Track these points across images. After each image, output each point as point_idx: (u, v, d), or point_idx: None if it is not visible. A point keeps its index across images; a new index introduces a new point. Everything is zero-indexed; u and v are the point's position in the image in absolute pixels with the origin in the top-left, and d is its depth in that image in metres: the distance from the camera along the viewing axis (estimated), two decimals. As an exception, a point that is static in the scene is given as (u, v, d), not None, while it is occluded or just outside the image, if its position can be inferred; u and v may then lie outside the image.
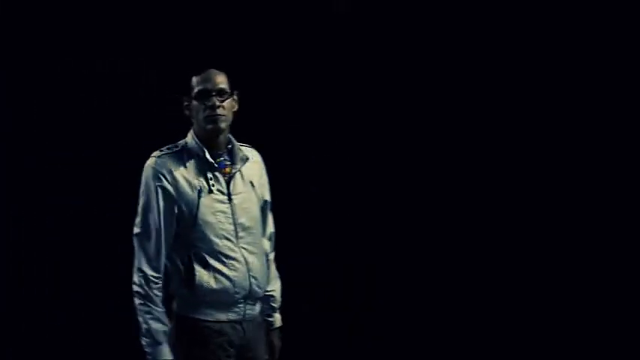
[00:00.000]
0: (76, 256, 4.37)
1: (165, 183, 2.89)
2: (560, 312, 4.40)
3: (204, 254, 2.90)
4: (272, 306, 3.12)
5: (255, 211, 3.01)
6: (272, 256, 3.15)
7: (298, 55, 4.46)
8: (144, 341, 2.83)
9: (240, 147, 3.01)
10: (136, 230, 2.90)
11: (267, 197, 3.09)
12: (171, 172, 2.90)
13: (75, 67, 4.32)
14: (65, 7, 4.30)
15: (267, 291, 3.08)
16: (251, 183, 3.00)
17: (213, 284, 2.90)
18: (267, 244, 3.12)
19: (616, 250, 4.38)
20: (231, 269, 2.90)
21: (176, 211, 2.89)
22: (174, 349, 2.85)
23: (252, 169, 3.03)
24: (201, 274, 2.90)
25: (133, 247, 2.88)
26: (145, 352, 2.84)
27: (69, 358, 4.40)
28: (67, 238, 4.37)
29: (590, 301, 4.38)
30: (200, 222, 2.90)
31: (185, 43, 4.35)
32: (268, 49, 4.44)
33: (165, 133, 4.32)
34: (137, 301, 2.86)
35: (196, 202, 2.89)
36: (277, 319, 3.15)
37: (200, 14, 4.40)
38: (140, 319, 2.85)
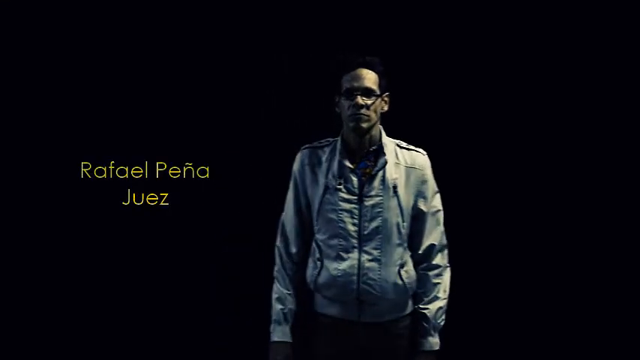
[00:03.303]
0: (76, 256, 4.37)
1: (299, 174, 3.04)
2: (561, 312, 4.41)
3: (319, 249, 2.99)
4: (423, 325, 3.02)
5: (392, 217, 2.95)
6: (435, 271, 3.04)
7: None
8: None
9: (401, 150, 3.04)
10: (284, 212, 3.10)
11: (424, 207, 3.02)
12: (307, 165, 3.03)
13: (75, 67, 4.32)
14: (62, 5, 4.31)
15: (421, 308, 3.02)
16: (394, 188, 2.96)
17: (319, 279, 2.97)
18: (416, 257, 3.03)
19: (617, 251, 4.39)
20: (338, 269, 2.94)
21: (303, 202, 3.03)
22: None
23: (402, 174, 3.00)
24: (311, 267, 3.01)
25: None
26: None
27: (69, 358, 4.39)
28: (69, 238, 4.36)
29: (590, 301, 4.39)
30: (321, 218, 2.99)
31: (183, 43, 4.36)
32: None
33: (167, 133, 4.36)
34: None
35: (320, 198, 2.98)
36: (428, 341, 3.01)
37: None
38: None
